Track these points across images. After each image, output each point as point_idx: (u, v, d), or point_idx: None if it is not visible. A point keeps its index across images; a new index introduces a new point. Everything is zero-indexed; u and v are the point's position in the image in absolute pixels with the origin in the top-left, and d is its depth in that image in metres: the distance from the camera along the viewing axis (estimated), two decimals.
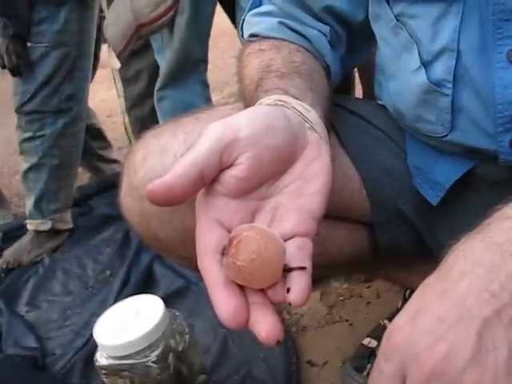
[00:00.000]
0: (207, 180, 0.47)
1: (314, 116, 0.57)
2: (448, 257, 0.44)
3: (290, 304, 0.45)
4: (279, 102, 0.56)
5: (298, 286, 0.45)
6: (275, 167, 0.50)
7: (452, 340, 0.38)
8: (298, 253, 0.47)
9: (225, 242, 0.46)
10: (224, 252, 0.46)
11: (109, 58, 1.69)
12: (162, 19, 1.50)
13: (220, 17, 1.72)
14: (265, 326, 0.43)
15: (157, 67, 1.72)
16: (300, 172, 0.51)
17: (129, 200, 0.71)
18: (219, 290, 0.44)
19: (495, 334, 0.38)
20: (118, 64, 1.64)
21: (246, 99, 0.67)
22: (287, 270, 0.46)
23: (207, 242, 0.47)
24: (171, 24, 1.55)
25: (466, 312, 0.39)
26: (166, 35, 1.59)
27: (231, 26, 1.75)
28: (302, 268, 0.46)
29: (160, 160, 0.65)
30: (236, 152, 0.48)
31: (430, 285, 0.43)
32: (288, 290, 0.45)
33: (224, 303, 0.44)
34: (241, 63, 0.75)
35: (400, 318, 0.42)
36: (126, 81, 1.91)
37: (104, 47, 1.94)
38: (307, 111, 0.57)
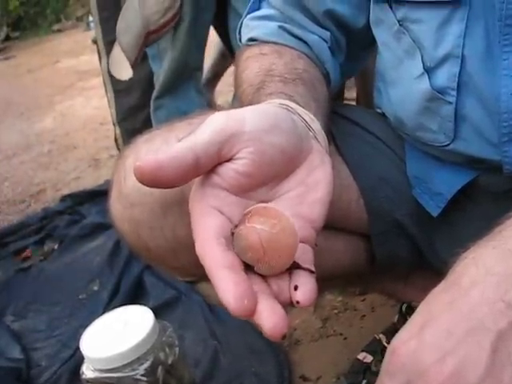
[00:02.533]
0: (202, 169, 0.45)
1: (317, 126, 0.55)
2: (456, 266, 0.42)
3: (297, 303, 0.42)
4: (284, 107, 0.54)
5: (307, 285, 0.42)
6: (277, 168, 0.48)
7: (462, 354, 0.36)
8: (302, 256, 0.45)
9: (227, 228, 0.43)
10: (234, 231, 0.43)
11: (111, 67, 1.65)
12: (169, 25, 1.48)
13: None
14: (273, 316, 0.39)
15: (150, 78, 1.70)
16: (303, 179, 0.49)
17: (119, 207, 0.68)
18: (225, 272, 0.40)
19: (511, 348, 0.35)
20: (129, 74, 1.59)
21: (244, 103, 0.64)
22: (296, 266, 0.44)
23: (208, 226, 0.43)
24: (170, 31, 1.53)
25: (478, 323, 0.37)
26: (163, 43, 1.58)
27: None
28: (311, 271, 0.44)
29: None
30: (238, 146, 0.45)
31: (436, 295, 0.41)
32: (296, 288, 0.42)
33: (231, 286, 0.38)
34: (238, 68, 0.73)
35: (404, 333, 0.40)
36: (119, 92, 1.88)
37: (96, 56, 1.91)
38: (312, 120, 0.55)
